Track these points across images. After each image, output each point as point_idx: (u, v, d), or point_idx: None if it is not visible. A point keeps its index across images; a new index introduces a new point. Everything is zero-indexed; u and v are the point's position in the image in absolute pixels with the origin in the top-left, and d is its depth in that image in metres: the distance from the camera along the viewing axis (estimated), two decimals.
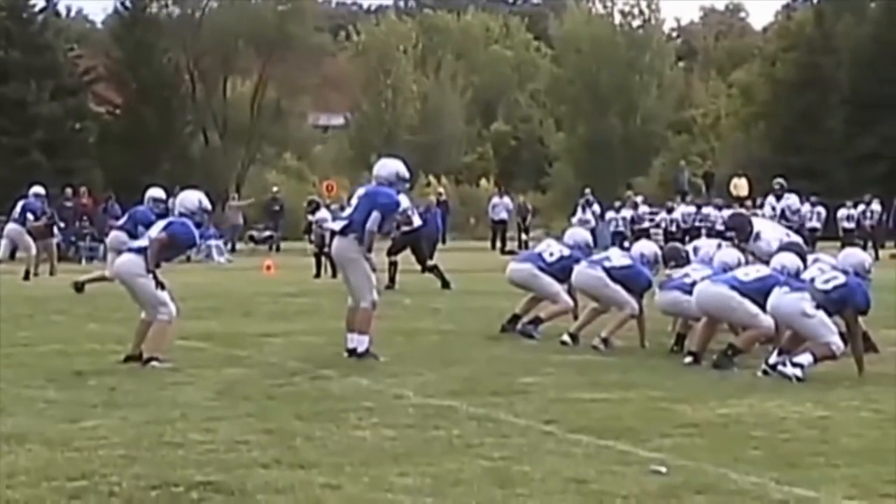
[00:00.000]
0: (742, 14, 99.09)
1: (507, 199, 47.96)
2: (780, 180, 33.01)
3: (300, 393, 10.86)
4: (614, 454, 8.33)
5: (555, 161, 75.70)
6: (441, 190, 45.34)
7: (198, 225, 13.38)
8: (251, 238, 49.34)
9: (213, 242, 41.73)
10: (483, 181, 69.67)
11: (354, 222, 13.14)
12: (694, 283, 13.80)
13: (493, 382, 11.51)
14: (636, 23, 74.42)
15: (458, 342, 15.01)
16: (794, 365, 11.83)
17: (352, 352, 13.06)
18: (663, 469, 7.81)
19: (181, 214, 13.33)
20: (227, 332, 15.81)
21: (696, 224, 40.35)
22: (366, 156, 68.60)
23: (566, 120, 75.99)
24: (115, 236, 22.13)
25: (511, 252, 39.24)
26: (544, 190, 72.45)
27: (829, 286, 12.36)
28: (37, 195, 29.06)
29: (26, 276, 27.34)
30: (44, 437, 8.68)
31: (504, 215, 47.05)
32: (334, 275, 28.65)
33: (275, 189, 51.86)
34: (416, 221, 24.73)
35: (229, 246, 44.56)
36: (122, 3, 59.16)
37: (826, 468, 7.97)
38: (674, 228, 40.63)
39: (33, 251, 28.24)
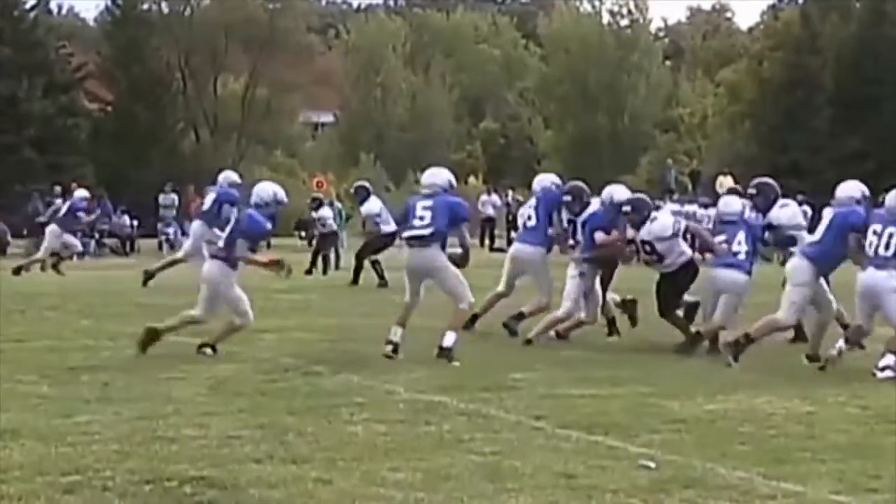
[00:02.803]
0: (728, 14, 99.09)
1: (495, 197, 48.03)
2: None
3: (292, 388, 10.90)
4: (603, 449, 8.40)
5: (543, 159, 75.67)
6: None
7: (271, 217, 13.56)
8: None
9: None
10: (472, 179, 69.59)
11: (437, 231, 13.08)
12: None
13: (482, 378, 11.56)
14: (624, 22, 74.50)
15: None
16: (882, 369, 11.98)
17: (396, 346, 12.99)
18: (652, 464, 7.88)
19: (256, 206, 13.55)
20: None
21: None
22: (355, 153, 68.65)
23: (554, 118, 76.03)
24: (197, 226, 22.80)
25: (500, 249, 39.26)
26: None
27: None
28: (83, 198, 29.34)
29: (56, 269, 27.43)
30: (37, 433, 8.72)
31: (492, 212, 47.11)
32: (325, 272, 28.75)
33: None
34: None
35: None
36: (113, 1, 59.09)
37: (812, 463, 8.04)
38: None
39: (79, 248, 28.66)
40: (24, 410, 9.68)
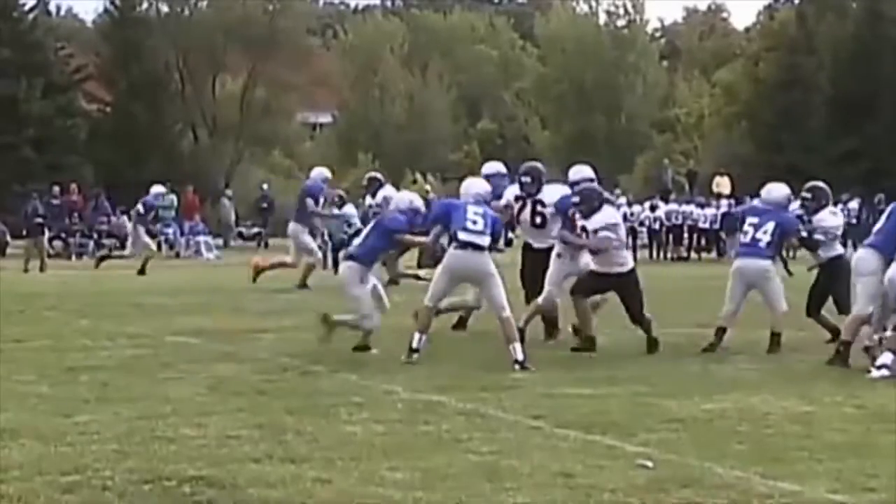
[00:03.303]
0: (724, 14, 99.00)
1: None
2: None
3: (291, 388, 10.93)
4: (601, 448, 8.42)
5: (540, 159, 75.67)
6: (428, 188, 45.22)
7: (410, 223, 13.97)
8: (240, 234, 49.34)
9: (201, 238, 41.75)
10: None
11: (490, 241, 13.21)
12: None
13: (481, 378, 11.58)
14: (621, 22, 74.48)
15: (446, 338, 15.05)
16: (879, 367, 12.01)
17: (417, 352, 12.90)
18: (650, 463, 7.90)
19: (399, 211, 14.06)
20: (218, 328, 15.84)
21: (679, 222, 40.53)
22: (353, 153, 68.70)
23: (551, 118, 76.00)
24: (293, 227, 23.96)
25: (499, 250, 39.30)
26: None
27: None
28: (158, 193, 29.44)
29: (142, 271, 27.73)
30: (37, 432, 8.73)
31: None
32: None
33: (264, 186, 51.79)
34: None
35: (222, 242, 44.53)
36: (112, 2, 59.15)
37: (810, 462, 8.06)
38: (657, 226, 40.75)
39: (153, 247, 29.42)
40: (24, 410, 9.70)
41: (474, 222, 13.03)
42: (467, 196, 13.53)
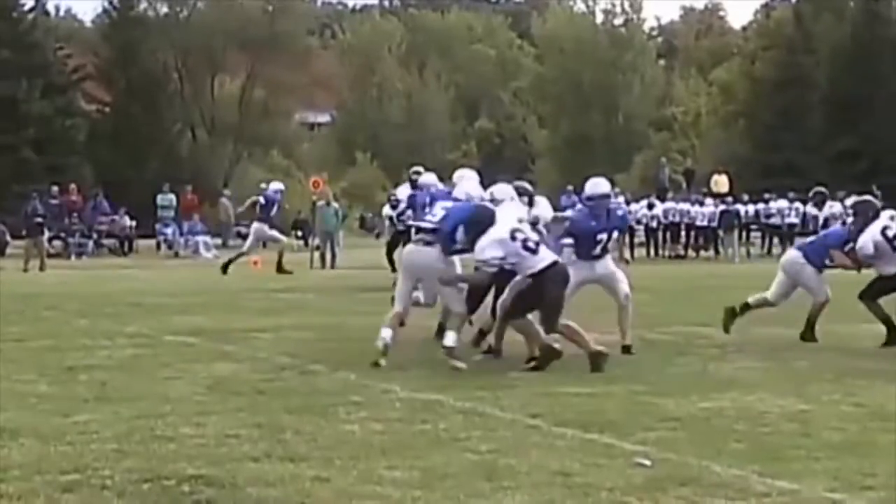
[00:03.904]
0: (721, 13, 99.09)
1: None
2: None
3: (289, 387, 10.92)
4: (599, 447, 8.42)
5: (538, 158, 75.85)
6: None
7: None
8: (238, 234, 49.34)
9: (200, 238, 41.78)
10: None
11: (442, 231, 12.51)
12: None
13: (479, 377, 11.59)
14: (618, 21, 74.67)
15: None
16: None
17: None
18: (648, 462, 7.89)
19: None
20: (216, 328, 15.84)
21: (677, 220, 40.52)
22: (351, 153, 68.83)
23: (549, 117, 76.14)
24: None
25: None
26: None
27: None
28: (276, 190, 29.65)
29: (280, 269, 27.84)
30: (36, 432, 8.73)
31: None
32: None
33: (263, 186, 51.78)
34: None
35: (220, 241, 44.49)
36: (111, 3, 59.25)
37: (807, 461, 8.05)
38: (654, 224, 40.75)
39: (284, 241, 29.61)
40: (23, 409, 9.70)
41: (434, 215, 12.70)
42: (458, 193, 13.19)
